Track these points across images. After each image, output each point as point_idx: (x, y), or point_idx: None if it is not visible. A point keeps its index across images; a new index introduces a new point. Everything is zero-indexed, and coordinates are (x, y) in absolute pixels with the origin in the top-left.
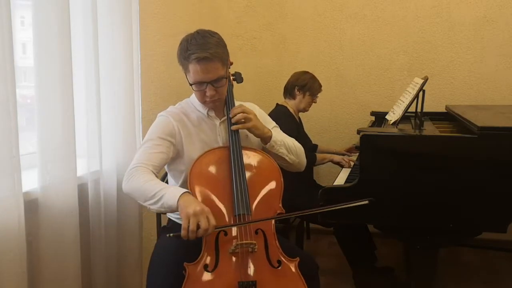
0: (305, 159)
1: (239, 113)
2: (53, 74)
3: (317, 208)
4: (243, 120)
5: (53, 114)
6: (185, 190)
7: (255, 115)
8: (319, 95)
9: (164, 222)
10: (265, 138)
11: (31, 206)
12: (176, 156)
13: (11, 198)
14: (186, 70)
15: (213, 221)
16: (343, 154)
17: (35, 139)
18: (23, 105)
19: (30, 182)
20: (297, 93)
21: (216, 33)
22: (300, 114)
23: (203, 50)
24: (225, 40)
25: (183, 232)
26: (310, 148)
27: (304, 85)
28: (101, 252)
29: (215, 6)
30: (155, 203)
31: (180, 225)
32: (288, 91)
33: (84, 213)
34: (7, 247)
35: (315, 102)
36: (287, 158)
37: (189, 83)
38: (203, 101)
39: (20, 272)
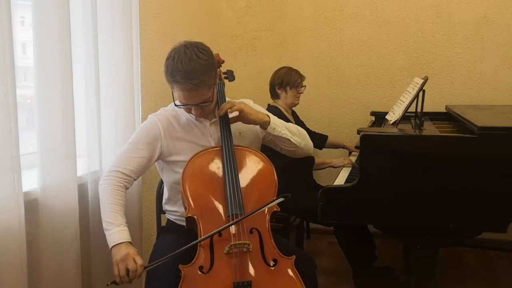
0: (311, 142)
1: (223, 114)
2: (53, 74)
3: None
4: (228, 111)
5: (53, 114)
6: (124, 240)
7: (244, 104)
8: (305, 83)
9: (163, 223)
10: (263, 123)
11: (31, 206)
12: (163, 159)
13: (11, 198)
14: (171, 88)
15: (140, 261)
16: (352, 151)
17: (35, 139)
18: (23, 105)
19: (30, 182)
20: (279, 91)
21: (204, 51)
22: (299, 113)
23: (187, 81)
24: (225, 40)
25: (116, 279)
26: (318, 141)
27: (281, 81)
28: (101, 252)
29: (215, 6)
30: (104, 229)
31: (178, 225)
32: (272, 93)
33: (84, 213)
34: (7, 247)
35: (301, 93)
36: (292, 139)
37: (174, 102)
38: (190, 114)
39: (20, 272)
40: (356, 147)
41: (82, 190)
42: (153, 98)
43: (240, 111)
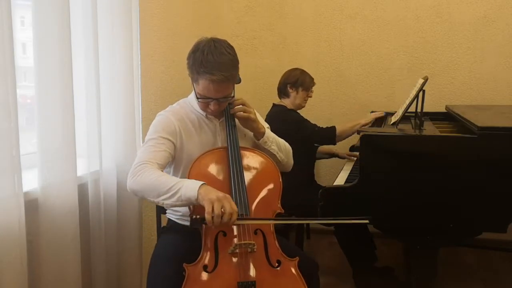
0: (292, 160)
1: (239, 104)
2: (53, 74)
3: (314, 218)
4: (241, 111)
5: (53, 114)
6: (202, 182)
7: (253, 109)
8: (313, 89)
9: (164, 223)
10: (259, 134)
11: (31, 206)
12: (175, 155)
13: (11, 198)
14: (195, 80)
15: (235, 208)
16: (344, 158)
17: (35, 139)
18: (23, 105)
19: (30, 182)
20: (290, 90)
21: (232, 48)
22: (300, 112)
23: (219, 72)
24: None
25: (207, 216)
26: (328, 129)
27: (295, 81)
28: (101, 252)
29: (215, 6)
30: (170, 197)
31: (181, 225)
32: (282, 91)
33: (84, 213)
34: (7, 247)
35: (310, 97)
36: (277, 155)
37: (196, 94)
38: (204, 111)
39: (20, 272)
40: (356, 147)
41: (82, 190)
42: (153, 98)
43: (249, 113)
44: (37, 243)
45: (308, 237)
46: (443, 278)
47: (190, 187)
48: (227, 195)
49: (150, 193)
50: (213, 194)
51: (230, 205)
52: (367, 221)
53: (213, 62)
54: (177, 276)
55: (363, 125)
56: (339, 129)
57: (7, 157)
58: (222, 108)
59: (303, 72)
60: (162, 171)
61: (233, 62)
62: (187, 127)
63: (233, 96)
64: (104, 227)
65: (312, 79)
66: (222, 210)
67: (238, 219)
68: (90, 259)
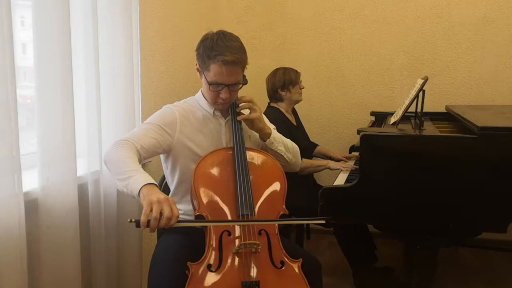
0: (300, 159)
1: (247, 101)
2: (53, 74)
3: (275, 219)
4: (248, 109)
5: (53, 114)
6: (153, 182)
7: (260, 108)
8: (304, 83)
9: None
10: (265, 134)
11: (31, 206)
12: (173, 151)
13: (11, 198)
14: (205, 68)
15: (176, 212)
16: (340, 160)
17: (35, 139)
18: (23, 105)
19: (30, 182)
20: (282, 93)
21: (239, 38)
22: (300, 113)
23: (231, 54)
24: None
25: (142, 218)
26: (308, 148)
27: (282, 84)
28: (101, 252)
29: (215, 6)
30: (122, 180)
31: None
32: (273, 97)
33: (84, 213)
34: (7, 247)
35: (303, 88)
36: (285, 156)
37: (207, 82)
38: (214, 102)
39: (20, 272)
40: (356, 147)
41: (82, 190)
42: (153, 98)
43: (255, 111)
44: (37, 243)
45: (308, 237)
46: (443, 278)
47: (138, 181)
48: (170, 199)
49: (112, 167)
50: (154, 196)
51: (170, 209)
52: (323, 221)
53: (224, 46)
54: (177, 276)
55: (330, 169)
56: (305, 163)
57: (7, 157)
58: (233, 98)
59: (284, 71)
60: (146, 157)
61: (242, 48)
62: (191, 124)
63: (243, 84)
64: (104, 227)
65: (295, 71)
66: (161, 212)
67: (239, 220)
68: (90, 259)
